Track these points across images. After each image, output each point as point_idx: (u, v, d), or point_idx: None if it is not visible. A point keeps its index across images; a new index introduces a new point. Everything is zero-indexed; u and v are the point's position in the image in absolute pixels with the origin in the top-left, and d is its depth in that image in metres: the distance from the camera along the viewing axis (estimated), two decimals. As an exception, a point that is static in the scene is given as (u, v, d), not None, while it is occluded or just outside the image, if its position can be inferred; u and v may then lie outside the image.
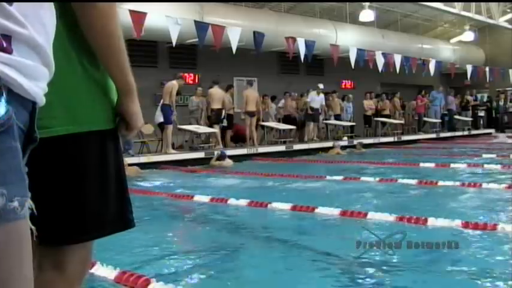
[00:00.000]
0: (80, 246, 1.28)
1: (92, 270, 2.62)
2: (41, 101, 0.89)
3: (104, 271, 2.75)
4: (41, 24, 0.84)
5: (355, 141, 13.73)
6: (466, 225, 3.81)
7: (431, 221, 3.95)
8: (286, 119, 14.10)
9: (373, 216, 4.26)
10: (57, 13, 1.18)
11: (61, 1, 1.19)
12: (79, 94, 1.23)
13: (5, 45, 0.76)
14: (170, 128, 10.84)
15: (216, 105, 11.83)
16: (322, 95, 13.92)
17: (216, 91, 11.95)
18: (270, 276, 2.96)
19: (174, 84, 10.59)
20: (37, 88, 0.85)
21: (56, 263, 1.26)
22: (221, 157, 10.21)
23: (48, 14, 0.88)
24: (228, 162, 10.12)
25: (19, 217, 0.78)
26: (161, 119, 10.86)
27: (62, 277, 1.27)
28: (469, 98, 20.14)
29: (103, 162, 1.27)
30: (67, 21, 1.21)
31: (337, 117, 15.25)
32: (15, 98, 0.80)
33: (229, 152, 10.84)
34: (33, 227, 0.89)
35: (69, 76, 1.22)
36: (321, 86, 13.81)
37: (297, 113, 14.31)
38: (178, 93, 11.05)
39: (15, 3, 0.77)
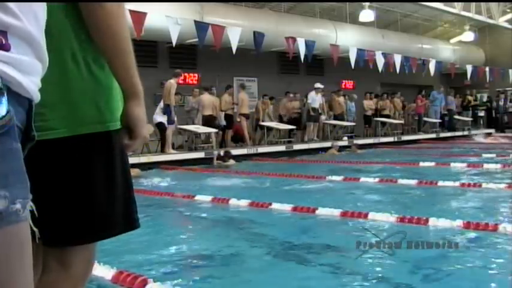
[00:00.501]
0: (84, 246, 1.28)
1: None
2: (37, 98, 0.88)
3: (101, 271, 2.73)
4: (35, 17, 0.83)
5: (351, 142, 13.69)
6: (467, 225, 3.79)
7: (432, 221, 3.93)
8: (284, 119, 14.10)
9: (374, 216, 4.24)
10: (65, 13, 1.18)
11: (68, 1, 1.18)
12: (85, 95, 1.22)
13: (3, 42, 0.75)
14: (171, 128, 10.83)
15: (207, 112, 11.90)
16: (319, 95, 13.93)
17: (205, 97, 12.02)
18: (270, 277, 2.95)
19: (172, 84, 10.61)
20: (33, 84, 0.84)
21: (60, 264, 1.26)
22: (225, 156, 10.24)
23: (40, 8, 0.86)
24: (231, 161, 10.15)
25: (21, 219, 0.77)
26: (159, 119, 10.87)
27: (65, 278, 1.27)
28: (470, 98, 20.12)
29: (110, 163, 1.26)
30: (74, 22, 1.20)
31: (337, 117, 15.22)
32: (13, 96, 0.79)
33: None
34: (35, 229, 0.88)
35: (76, 77, 1.21)
36: (318, 85, 13.82)
37: (296, 114, 14.28)
38: (177, 94, 11.08)
39: None
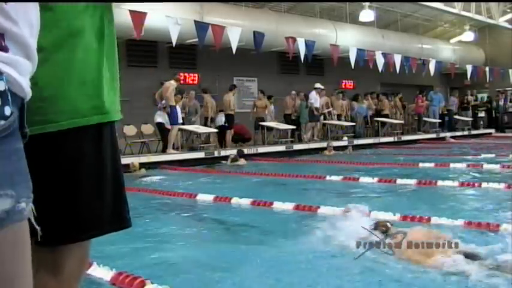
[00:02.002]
0: (77, 245, 1.26)
1: (88, 271, 2.59)
2: (29, 96, 0.89)
3: (100, 272, 2.72)
4: (28, 21, 0.84)
5: (345, 143, 13.64)
6: (469, 224, 3.78)
7: (434, 220, 3.93)
8: (286, 119, 14.09)
9: (376, 215, 4.23)
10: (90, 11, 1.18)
11: (69, 2, 1.18)
12: (82, 88, 1.21)
13: (2, 44, 0.76)
14: (176, 128, 10.83)
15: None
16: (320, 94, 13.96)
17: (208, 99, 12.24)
18: (271, 277, 2.94)
19: (172, 83, 10.63)
20: (27, 84, 0.85)
21: (53, 264, 1.24)
22: (237, 156, 10.28)
23: (34, 15, 0.88)
24: (243, 161, 10.17)
25: (23, 218, 0.79)
26: (159, 119, 10.88)
27: (59, 277, 1.25)
28: (470, 98, 20.14)
29: (100, 158, 1.24)
30: (76, 20, 1.20)
31: (338, 117, 15.24)
32: (11, 96, 0.79)
33: (229, 152, 10.84)
34: (38, 227, 0.89)
35: (73, 71, 1.20)
36: (318, 85, 13.83)
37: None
38: (181, 92, 11.17)
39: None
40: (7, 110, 0.75)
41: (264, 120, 13.47)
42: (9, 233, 0.75)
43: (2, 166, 0.72)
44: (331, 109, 14.89)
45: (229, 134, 12.64)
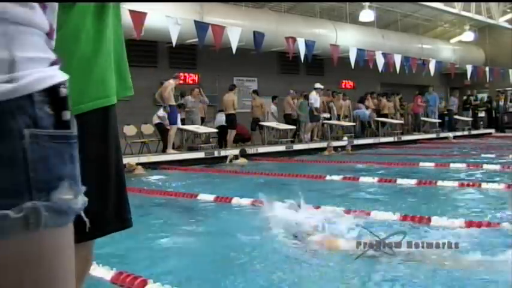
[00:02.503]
0: (80, 245, 1.24)
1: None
2: None
3: (100, 271, 2.72)
4: None
5: (345, 143, 13.64)
6: (469, 224, 3.78)
7: (435, 220, 3.93)
8: (287, 119, 14.09)
9: (375, 215, 4.23)
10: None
11: (75, 1, 1.18)
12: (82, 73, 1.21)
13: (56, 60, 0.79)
14: (174, 128, 10.83)
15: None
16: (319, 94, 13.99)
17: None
18: (274, 277, 2.94)
19: (170, 83, 10.65)
20: None
21: None
22: (237, 156, 10.31)
23: None
24: (243, 160, 10.16)
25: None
26: (158, 120, 10.87)
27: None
28: (471, 98, 20.17)
29: (104, 154, 1.23)
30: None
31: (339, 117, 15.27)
32: None
33: (229, 152, 10.85)
34: (86, 219, 0.93)
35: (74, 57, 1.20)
36: (317, 85, 13.85)
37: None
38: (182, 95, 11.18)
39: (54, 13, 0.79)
40: (67, 115, 0.78)
41: (260, 121, 13.44)
42: (70, 228, 0.82)
43: (75, 169, 0.79)
44: (330, 116, 14.92)
45: (232, 133, 12.62)
